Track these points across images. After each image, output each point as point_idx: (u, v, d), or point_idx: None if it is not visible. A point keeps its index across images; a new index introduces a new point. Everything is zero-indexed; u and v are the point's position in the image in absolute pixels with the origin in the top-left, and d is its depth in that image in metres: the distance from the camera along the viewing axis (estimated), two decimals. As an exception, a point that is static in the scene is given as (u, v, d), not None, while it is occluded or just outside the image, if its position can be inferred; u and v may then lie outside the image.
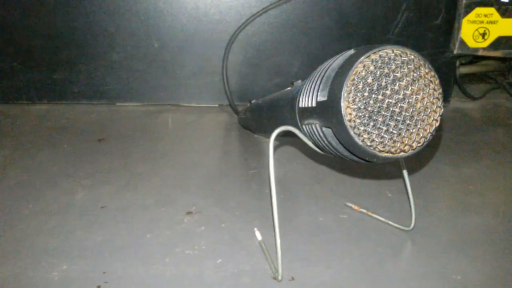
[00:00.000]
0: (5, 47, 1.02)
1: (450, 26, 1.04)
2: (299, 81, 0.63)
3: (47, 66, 1.04)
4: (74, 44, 1.03)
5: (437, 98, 0.43)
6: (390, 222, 0.63)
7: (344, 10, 1.04)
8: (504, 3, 0.97)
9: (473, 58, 1.19)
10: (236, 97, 1.06)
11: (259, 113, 0.75)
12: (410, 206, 0.61)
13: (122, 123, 0.99)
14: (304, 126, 0.51)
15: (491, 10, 0.98)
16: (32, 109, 1.05)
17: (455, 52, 1.03)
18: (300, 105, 0.51)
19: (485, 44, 1.01)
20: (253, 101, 0.86)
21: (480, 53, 1.03)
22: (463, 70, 1.20)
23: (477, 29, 1.00)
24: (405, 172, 0.60)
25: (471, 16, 0.99)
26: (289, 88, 0.66)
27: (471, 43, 1.02)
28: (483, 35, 1.00)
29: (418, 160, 0.83)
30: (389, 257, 0.57)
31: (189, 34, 1.03)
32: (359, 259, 0.56)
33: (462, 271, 0.54)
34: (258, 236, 0.60)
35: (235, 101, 1.05)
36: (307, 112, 0.49)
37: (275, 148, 0.87)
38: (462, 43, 1.02)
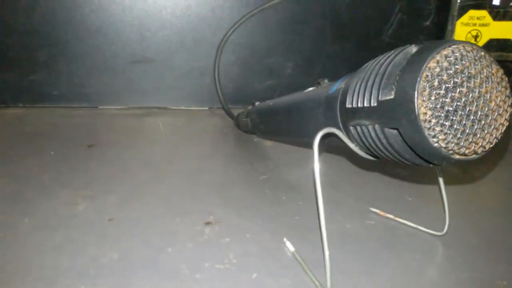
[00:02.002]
0: (-24, 45, 0.93)
1: (442, 29, 1.04)
2: (326, 80, 0.60)
3: (23, 66, 0.95)
4: (54, 42, 0.95)
5: (508, 96, 0.41)
6: (421, 227, 0.61)
7: (338, 11, 1.01)
8: (496, 6, 0.98)
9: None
10: (227, 100, 1.01)
11: (274, 116, 0.71)
12: (444, 210, 0.59)
13: (110, 127, 0.92)
14: (351, 128, 0.48)
15: (484, 13, 0.99)
16: (6, 113, 0.96)
17: (448, 54, 1.03)
18: (347, 106, 0.47)
19: (477, 46, 1.02)
20: (257, 103, 0.81)
21: (471, 55, 1.03)
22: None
23: (470, 32, 1.00)
24: (441, 180, 0.58)
25: (465, 18, 0.99)
26: (312, 88, 0.62)
27: (463, 46, 1.02)
28: (476, 37, 1.01)
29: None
30: (429, 265, 0.54)
31: (179, 33, 0.98)
32: (400, 268, 0.53)
33: (506, 277, 0.53)
34: (290, 247, 0.56)
35: (227, 104, 1.01)
36: (361, 112, 0.45)
37: (279, 152, 0.83)
38: (455, 45, 1.02)
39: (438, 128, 0.38)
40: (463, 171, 0.79)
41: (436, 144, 0.39)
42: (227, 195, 0.68)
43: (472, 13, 0.99)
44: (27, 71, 0.96)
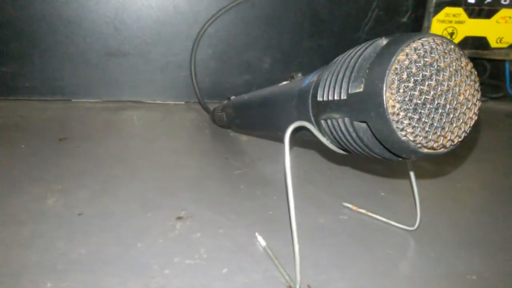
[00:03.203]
0: None
1: (419, 25, 1.04)
2: (300, 74, 0.60)
3: (-5, 58, 0.93)
4: (26, 33, 0.93)
5: (477, 90, 0.41)
6: (393, 222, 0.61)
7: (316, 7, 1.01)
8: (471, 4, 0.99)
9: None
10: (204, 94, 1.00)
11: (248, 110, 0.70)
12: (415, 205, 0.59)
13: (83, 121, 0.91)
14: (322, 121, 0.47)
15: (459, 10, 1.00)
16: (-24, 105, 0.94)
17: (424, 50, 1.04)
18: (318, 99, 0.47)
19: (453, 43, 1.03)
20: (232, 97, 0.81)
21: (447, 52, 1.04)
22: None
23: (445, 29, 1.01)
24: (412, 174, 0.58)
25: (441, 15, 1.00)
26: (286, 82, 0.62)
27: (439, 42, 1.03)
28: (451, 34, 1.02)
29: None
30: (401, 259, 0.55)
31: (156, 25, 0.96)
32: (372, 263, 0.53)
33: (476, 271, 0.53)
34: (262, 241, 0.55)
35: (204, 99, 1.00)
36: (331, 106, 0.45)
37: (254, 146, 0.83)
38: (431, 42, 1.02)
39: (406, 121, 0.38)
40: (436, 166, 0.80)
41: (404, 138, 0.39)
42: (201, 190, 0.67)
43: (448, 10, 1.00)
44: (-1, 63, 0.94)
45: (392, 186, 0.71)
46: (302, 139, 0.55)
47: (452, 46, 0.40)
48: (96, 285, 0.47)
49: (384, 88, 0.38)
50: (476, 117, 0.41)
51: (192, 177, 0.71)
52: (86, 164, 0.72)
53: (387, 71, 0.38)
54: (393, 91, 0.38)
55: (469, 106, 0.40)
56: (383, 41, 0.42)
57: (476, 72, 0.41)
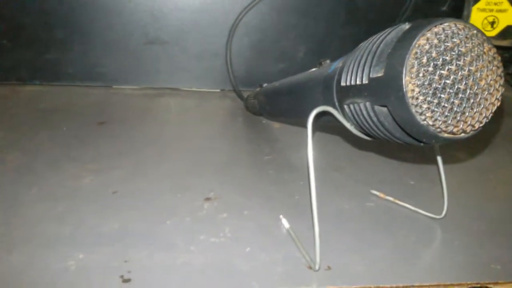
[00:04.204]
0: (-5, 23, 0.96)
1: (458, 14, 1.02)
2: (328, 61, 0.60)
3: (39, 44, 0.97)
4: (69, 21, 0.96)
5: (500, 76, 0.40)
6: (420, 210, 0.61)
7: (352, -6, 1.01)
8: (514, -9, 0.96)
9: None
10: (239, 82, 1.02)
11: (278, 97, 0.71)
12: (443, 193, 0.59)
13: (122, 106, 0.94)
14: (346, 107, 0.48)
15: (501, -1, 0.97)
16: (23, 90, 0.99)
17: (463, 40, 1.01)
18: (342, 84, 0.47)
19: (494, 33, 1.00)
20: (264, 85, 0.82)
21: (488, 42, 1.01)
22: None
23: (486, 18, 0.99)
24: (439, 158, 0.58)
25: (481, 3, 0.97)
26: (314, 68, 0.62)
27: (480, 32, 1.00)
28: (492, 23, 0.99)
29: (431, 147, 0.81)
30: (424, 246, 0.55)
31: (192, 14, 0.98)
32: (394, 248, 0.54)
33: (501, 261, 0.52)
34: (285, 223, 0.56)
35: (239, 86, 1.01)
36: (354, 90, 0.45)
37: (286, 133, 0.84)
38: (471, 31, 1.00)
39: (425, 106, 0.38)
40: (471, 156, 0.79)
41: (423, 122, 0.39)
42: (230, 174, 0.69)
43: (489, -2, 0.97)
44: (44, 50, 0.98)
45: (422, 174, 0.71)
46: (328, 125, 0.56)
47: (475, 31, 0.40)
48: (124, 257, 0.49)
49: (404, 72, 0.38)
50: (498, 103, 0.41)
51: (222, 161, 0.73)
52: (121, 146, 0.75)
53: (407, 55, 0.38)
54: (412, 75, 0.38)
55: (491, 91, 0.40)
56: (406, 26, 0.42)
57: (499, 58, 0.41)
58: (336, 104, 0.50)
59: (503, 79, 0.41)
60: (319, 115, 0.51)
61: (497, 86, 0.40)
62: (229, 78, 1.00)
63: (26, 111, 0.88)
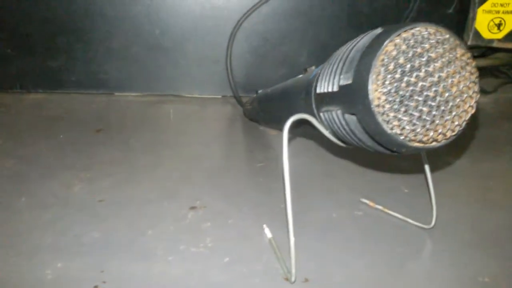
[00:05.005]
0: (-1, 32, 0.98)
1: (464, 16, 1.00)
2: (313, 67, 0.59)
3: (43, 52, 0.99)
4: (72, 29, 0.98)
5: (474, 82, 0.39)
6: (409, 220, 0.59)
7: (354, -2, 0.99)
8: (521, -8, 0.93)
9: (486, 51, 1.15)
10: (240, 88, 1.02)
11: (269, 103, 0.70)
12: (431, 203, 0.57)
13: (122, 113, 0.95)
14: (321, 114, 0.47)
15: (508, 0, 0.94)
16: (27, 98, 1.00)
17: (469, 43, 0.99)
18: (317, 91, 0.47)
19: (501, 35, 0.97)
20: (260, 91, 0.81)
21: (495, 44, 0.99)
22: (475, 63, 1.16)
23: (492, 19, 0.96)
24: (427, 167, 0.56)
25: (487, 5, 0.95)
26: (302, 75, 0.61)
27: (486, 34, 0.97)
28: (499, 25, 0.96)
29: (430, 155, 0.79)
30: (409, 258, 0.53)
31: (192, 20, 0.98)
32: (378, 259, 0.52)
33: (490, 273, 0.50)
34: (268, 233, 0.55)
35: (240, 92, 1.01)
36: (327, 98, 0.44)
37: (271, 141, 0.83)
38: (477, 33, 0.97)
39: (392, 114, 0.37)
40: (472, 163, 0.76)
41: (391, 131, 0.37)
42: (219, 181, 0.68)
43: (495, -1, 0.94)
44: (47, 58, 0.99)
45: (417, 183, 0.69)
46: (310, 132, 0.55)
47: (448, 36, 0.38)
48: (101, 267, 0.49)
49: (370, 80, 0.37)
50: (473, 110, 0.39)
51: (213, 168, 0.72)
52: (116, 154, 0.76)
53: (374, 62, 0.37)
54: (379, 82, 0.37)
55: (464, 98, 0.38)
56: (378, 31, 0.41)
57: (474, 63, 0.39)
58: (315, 111, 0.49)
59: (477, 85, 0.39)
60: (299, 123, 0.50)
61: (470, 92, 0.39)
62: (229, 84, 1.00)
63: (27, 119, 0.89)
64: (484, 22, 0.96)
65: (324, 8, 1.00)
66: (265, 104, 0.73)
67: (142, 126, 0.88)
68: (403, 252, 0.54)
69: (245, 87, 1.02)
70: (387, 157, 0.75)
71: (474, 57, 1.09)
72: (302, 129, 0.70)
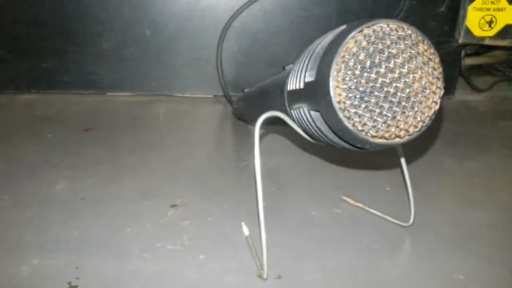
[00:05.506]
0: (-8, 34, 0.99)
1: (455, 14, 0.99)
2: (291, 65, 0.59)
3: (35, 54, 1.00)
4: (63, 31, 0.99)
5: (437, 78, 0.39)
6: (388, 217, 0.59)
7: (344, -3, 0.99)
8: (512, -11, 0.92)
9: (480, 48, 1.14)
10: (231, 87, 1.02)
11: (250, 102, 0.70)
12: (408, 200, 0.57)
13: (112, 113, 0.95)
14: (292, 111, 0.47)
15: (499, -3, 0.93)
16: (19, 98, 1.01)
17: (460, 41, 0.98)
18: (288, 88, 0.47)
19: (492, 32, 0.97)
20: (245, 90, 0.81)
21: (487, 42, 0.98)
22: (469, 61, 1.15)
23: (483, 17, 0.95)
24: (403, 161, 0.56)
25: (477, 3, 0.94)
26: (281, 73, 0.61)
27: (477, 32, 0.97)
28: (490, 23, 0.96)
29: (419, 153, 0.79)
30: (385, 255, 0.53)
31: (182, 21, 0.99)
32: (353, 257, 0.52)
33: (465, 270, 0.50)
34: (245, 230, 0.56)
35: (231, 92, 1.01)
36: (295, 95, 0.44)
37: (268, 138, 0.83)
38: (467, 31, 0.97)
39: (353, 110, 0.37)
40: (459, 163, 0.76)
41: (352, 127, 0.38)
42: (202, 180, 0.68)
43: (485, -3, 0.94)
44: (39, 59, 1.00)
45: (400, 181, 0.68)
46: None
47: (410, 32, 0.38)
48: (76, 264, 0.50)
49: (331, 76, 0.37)
50: (437, 106, 0.39)
51: (198, 167, 0.73)
52: (101, 153, 0.76)
53: (335, 59, 0.37)
54: (339, 79, 0.37)
55: (426, 94, 0.38)
56: (342, 28, 0.41)
57: (437, 59, 0.39)
58: (288, 108, 0.49)
59: (441, 80, 0.39)
60: (275, 120, 0.50)
61: (433, 88, 0.39)
62: (220, 83, 1.00)
63: (18, 119, 0.90)
64: (475, 20, 0.95)
65: (314, 7, 1.00)
66: (247, 103, 0.73)
67: (131, 126, 0.89)
68: (379, 249, 0.54)
69: (236, 86, 1.02)
70: (371, 155, 0.75)
71: (468, 55, 1.10)
72: (283, 127, 0.71)
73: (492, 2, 0.94)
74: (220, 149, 0.81)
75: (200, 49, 1.01)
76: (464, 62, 1.08)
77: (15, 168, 0.71)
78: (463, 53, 1.06)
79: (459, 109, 1.04)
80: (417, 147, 0.80)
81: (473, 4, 0.94)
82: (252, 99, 0.69)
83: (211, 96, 1.06)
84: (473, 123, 0.95)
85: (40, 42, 0.99)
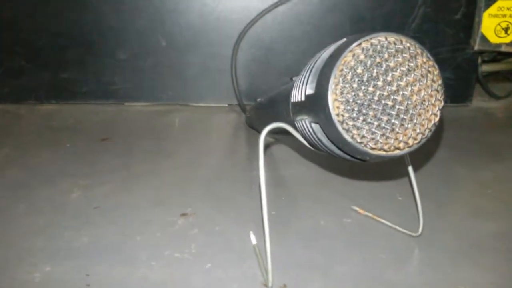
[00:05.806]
0: (13, 46, 1.02)
1: (471, 21, 0.98)
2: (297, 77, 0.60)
3: (55, 65, 1.03)
4: (82, 42, 1.01)
5: (436, 90, 0.39)
6: (397, 227, 0.59)
7: (358, 5, 0.99)
8: (528, -5, 0.91)
9: (497, 55, 1.13)
10: (245, 97, 1.03)
11: (260, 111, 0.71)
12: (417, 209, 0.57)
13: (129, 123, 0.97)
14: (296, 123, 0.48)
15: (515, 3, 0.92)
16: (40, 109, 1.04)
17: (476, 48, 0.97)
18: (292, 100, 0.47)
19: (509, 39, 0.95)
20: (258, 99, 0.82)
21: (503, 48, 0.97)
22: (487, 68, 1.14)
23: (499, 23, 0.94)
24: (410, 169, 0.56)
25: (493, 9, 0.93)
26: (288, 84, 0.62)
27: (493, 38, 0.96)
28: (506, 29, 0.94)
29: (433, 161, 0.78)
30: (392, 265, 0.53)
31: (197, 31, 1.01)
32: (360, 266, 0.52)
33: (471, 281, 0.50)
34: (253, 239, 0.56)
35: (245, 101, 1.02)
36: (297, 107, 0.45)
37: (280, 148, 0.84)
38: (483, 38, 0.96)
39: (351, 123, 0.38)
40: (471, 171, 0.75)
41: (351, 140, 0.38)
42: (213, 189, 0.69)
43: (501, 3, 0.93)
44: (59, 70, 1.03)
45: (412, 191, 0.68)
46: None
47: (408, 45, 0.39)
48: (86, 271, 0.51)
49: (329, 89, 0.38)
50: (436, 118, 0.39)
51: (209, 176, 0.73)
52: (116, 162, 0.78)
53: (333, 72, 0.38)
54: (337, 92, 0.38)
55: (425, 107, 0.38)
56: (342, 41, 0.41)
57: (436, 71, 0.39)
58: (292, 120, 0.50)
59: (441, 92, 0.39)
60: (281, 131, 0.51)
61: (433, 100, 0.39)
62: (234, 92, 1.01)
63: (37, 129, 0.93)
64: (490, 27, 0.94)
65: (328, 16, 1.00)
66: (258, 112, 0.74)
67: (146, 135, 0.91)
68: (386, 259, 0.54)
69: (251, 95, 1.03)
70: (382, 164, 0.75)
71: (485, 62, 1.08)
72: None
73: (508, 9, 0.93)
74: (232, 158, 0.81)
75: (215, 59, 1.03)
76: (481, 69, 1.07)
77: (31, 176, 0.73)
78: (479, 60, 1.05)
79: (476, 116, 1.02)
80: (430, 155, 0.80)
81: (489, 11, 0.93)
82: (262, 109, 0.70)
83: (226, 105, 1.07)
84: (489, 131, 0.94)
85: (59, 53, 1.02)
